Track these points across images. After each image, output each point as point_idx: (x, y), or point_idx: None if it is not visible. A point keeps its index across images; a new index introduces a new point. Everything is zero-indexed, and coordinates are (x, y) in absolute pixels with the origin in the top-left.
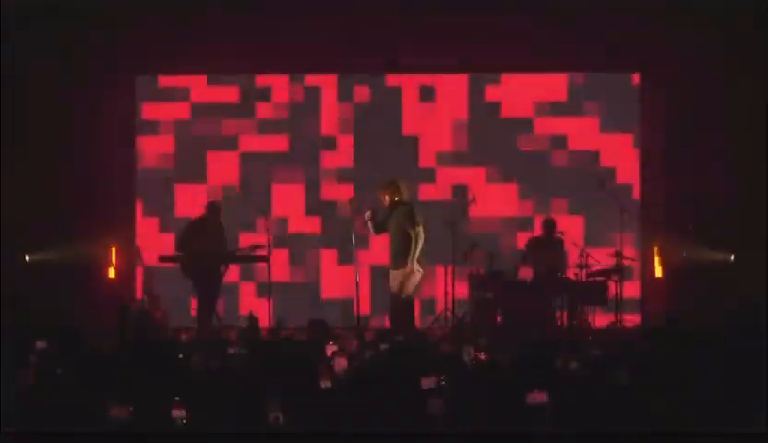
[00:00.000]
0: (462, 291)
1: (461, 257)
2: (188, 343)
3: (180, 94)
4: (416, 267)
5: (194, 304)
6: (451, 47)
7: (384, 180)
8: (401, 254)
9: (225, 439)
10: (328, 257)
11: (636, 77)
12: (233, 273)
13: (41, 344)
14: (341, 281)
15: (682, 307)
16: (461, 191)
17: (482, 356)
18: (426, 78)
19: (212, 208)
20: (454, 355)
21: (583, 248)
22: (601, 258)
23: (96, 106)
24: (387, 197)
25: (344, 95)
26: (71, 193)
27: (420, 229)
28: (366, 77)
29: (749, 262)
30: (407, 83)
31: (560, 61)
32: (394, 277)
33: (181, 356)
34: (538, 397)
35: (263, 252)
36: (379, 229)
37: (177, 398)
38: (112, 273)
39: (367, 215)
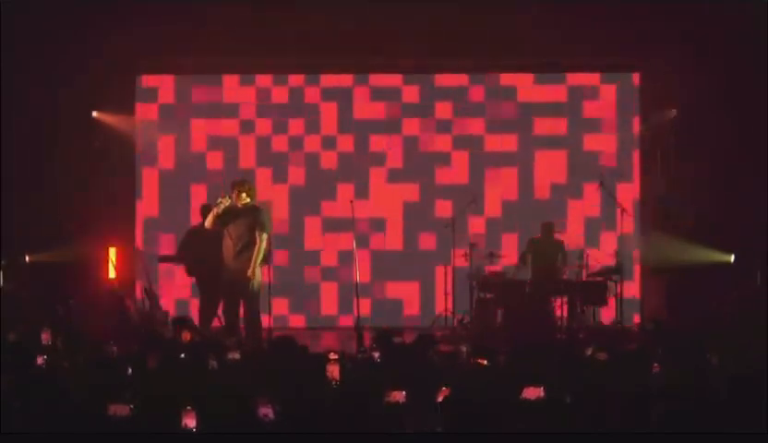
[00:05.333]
0: (462, 291)
1: (461, 257)
2: (189, 344)
3: (181, 94)
4: (258, 270)
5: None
6: (451, 47)
7: (239, 179)
8: (244, 254)
9: (225, 439)
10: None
11: (636, 78)
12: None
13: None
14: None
15: (681, 308)
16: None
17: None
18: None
19: (207, 211)
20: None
21: (583, 248)
22: (601, 258)
23: (96, 106)
24: (239, 196)
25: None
26: (71, 193)
27: (266, 236)
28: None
29: (749, 262)
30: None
31: (560, 61)
32: (240, 272)
33: (183, 356)
34: (534, 392)
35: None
36: (219, 223)
37: (189, 407)
38: (112, 273)
39: (224, 201)
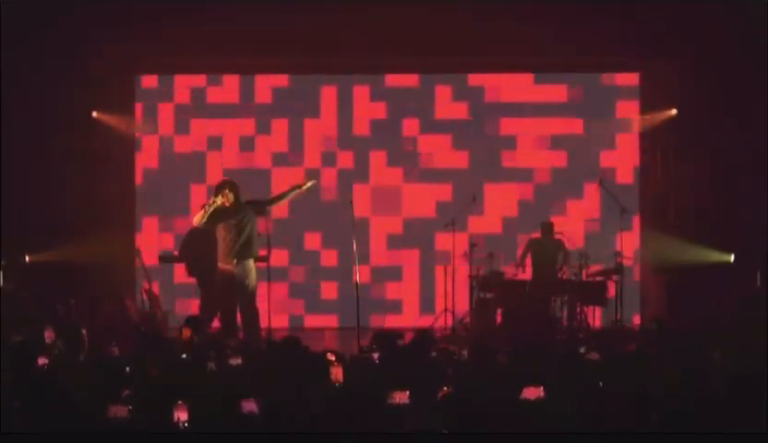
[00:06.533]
0: (462, 291)
1: (460, 256)
2: (188, 343)
3: (179, 94)
4: (254, 270)
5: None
6: (451, 47)
7: (225, 180)
8: (242, 253)
9: (226, 439)
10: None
11: (636, 78)
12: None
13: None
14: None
15: (681, 308)
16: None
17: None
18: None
19: None
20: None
21: (583, 249)
22: (600, 259)
23: (96, 106)
24: (230, 196)
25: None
26: (71, 193)
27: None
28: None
29: (749, 262)
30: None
31: (560, 61)
32: (244, 273)
33: (184, 356)
34: (534, 392)
35: (263, 252)
36: (210, 222)
37: (180, 402)
38: None
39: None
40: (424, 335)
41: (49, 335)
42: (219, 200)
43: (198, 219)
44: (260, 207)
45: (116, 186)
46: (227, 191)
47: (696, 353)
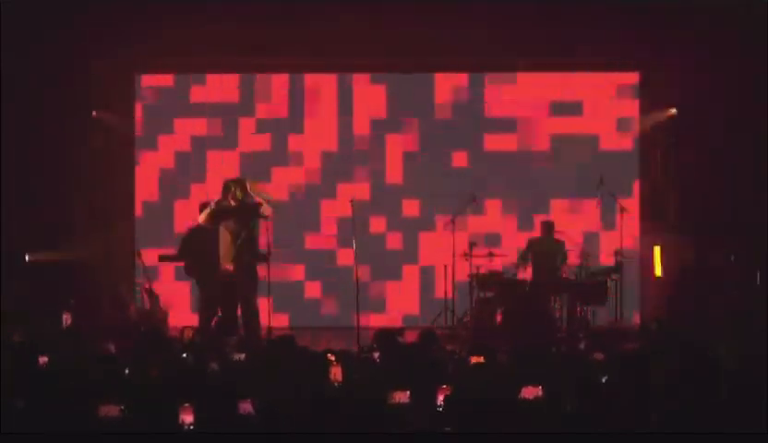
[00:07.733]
0: (462, 291)
1: (461, 256)
2: (189, 343)
3: (180, 94)
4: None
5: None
6: (451, 46)
7: (234, 178)
8: (243, 252)
9: (225, 439)
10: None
11: (636, 77)
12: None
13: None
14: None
15: (681, 307)
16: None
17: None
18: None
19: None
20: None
21: (583, 248)
22: (601, 258)
23: (96, 106)
24: (234, 194)
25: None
26: (71, 192)
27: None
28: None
29: (749, 262)
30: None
31: (561, 61)
32: (244, 273)
33: (185, 356)
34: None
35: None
36: (215, 220)
37: (187, 404)
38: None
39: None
40: (424, 335)
41: (66, 318)
42: (223, 198)
43: (202, 217)
44: (262, 208)
45: (116, 187)
46: (231, 190)
47: (696, 352)
